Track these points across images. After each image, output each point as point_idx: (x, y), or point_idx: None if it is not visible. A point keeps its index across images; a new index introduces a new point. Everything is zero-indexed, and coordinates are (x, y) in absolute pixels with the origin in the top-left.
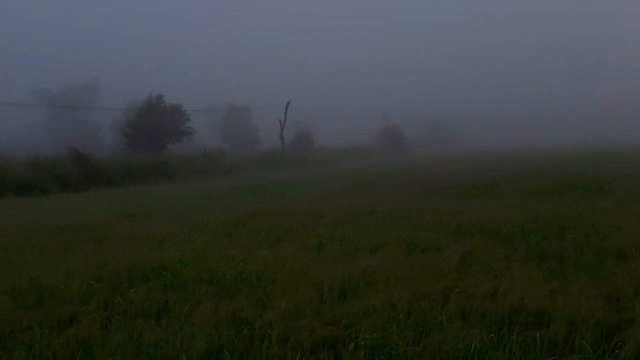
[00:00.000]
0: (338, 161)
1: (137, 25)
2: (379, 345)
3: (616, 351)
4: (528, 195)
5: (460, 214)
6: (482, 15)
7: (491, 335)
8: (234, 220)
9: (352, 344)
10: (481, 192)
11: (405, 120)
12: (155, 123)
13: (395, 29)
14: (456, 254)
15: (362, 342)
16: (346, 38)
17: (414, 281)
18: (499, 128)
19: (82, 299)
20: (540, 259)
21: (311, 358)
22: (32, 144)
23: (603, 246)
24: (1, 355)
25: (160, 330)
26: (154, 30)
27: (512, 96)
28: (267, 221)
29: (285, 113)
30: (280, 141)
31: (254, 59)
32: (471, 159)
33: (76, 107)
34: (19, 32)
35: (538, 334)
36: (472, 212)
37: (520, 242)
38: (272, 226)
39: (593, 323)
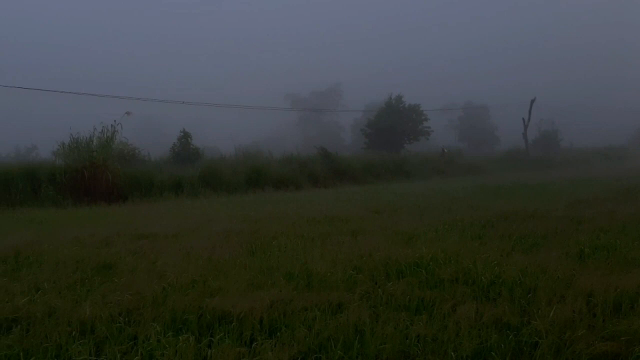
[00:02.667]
0: (588, 163)
1: (375, 29)
2: None
3: None
4: None
5: None
6: None
7: None
8: (482, 221)
9: None
10: None
11: None
12: (394, 123)
13: None
14: None
15: None
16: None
17: None
18: None
19: (346, 287)
20: None
21: None
22: (284, 143)
23: None
24: (284, 331)
25: (422, 325)
26: (391, 32)
27: None
28: (518, 224)
29: (530, 111)
30: (524, 141)
31: (494, 56)
32: None
33: (321, 110)
34: (273, 43)
35: None
36: None
37: None
38: (524, 230)
39: None
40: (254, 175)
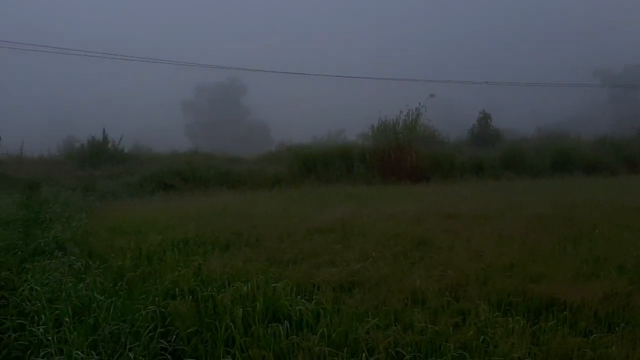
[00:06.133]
0: None
1: None
2: None
3: None
4: None
5: None
6: None
7: None
8: None
9: None
10: None
11: None
12: None
13: None
14: None
15: None
16: None
17: None
18: None
19: None
20: None
21: None
22: (592, 124)
23: None
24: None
25: None
26: None
27: None
28: None
29: None
30: None
31: None
32: None
33: (636, 86)
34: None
35: None
36: None
37: None
38: None
39: None
40: (560, 158)
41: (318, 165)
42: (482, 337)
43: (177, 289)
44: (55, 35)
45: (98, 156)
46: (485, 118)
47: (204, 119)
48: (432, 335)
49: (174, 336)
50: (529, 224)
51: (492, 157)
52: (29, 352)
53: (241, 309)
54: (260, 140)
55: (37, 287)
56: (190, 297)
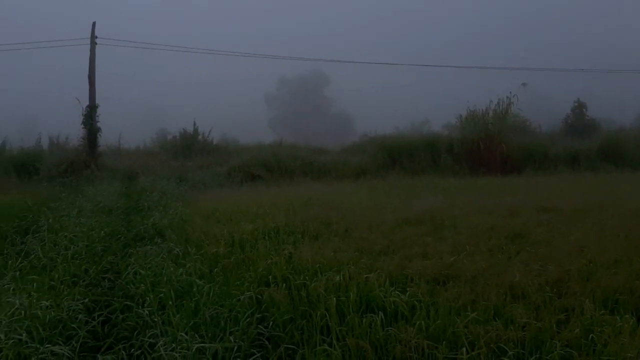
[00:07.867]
0: None
1: None
2: None
3: None
4: None
5: None
6: None
7: None
8: None
9: None
10: None
11: None
12: None
13: None
14: None
15: None
16: None
17: None
18: None
19: None
20: None
21: None
22: None
23: None
24: None
25: None
26: None
27: None
28: None
29: None
30: None
31: None
32: None
33: None
34: None
35: None
36: None
37: None
38: None
39: None
40: None
41: (403, 156)
42: (590, 336)
43: (270, 277)
44: (143, 31)
45: (189, 148)
46: (580, 107)
47: (287, 111)
48: (535, 332)
49: (271, 322)
50: (633, 218)
51: (588, 148)
52: (135, 333)
53: (335, 298)
54: (344, 131)
55: (141, 271)
56: (284, 284)
